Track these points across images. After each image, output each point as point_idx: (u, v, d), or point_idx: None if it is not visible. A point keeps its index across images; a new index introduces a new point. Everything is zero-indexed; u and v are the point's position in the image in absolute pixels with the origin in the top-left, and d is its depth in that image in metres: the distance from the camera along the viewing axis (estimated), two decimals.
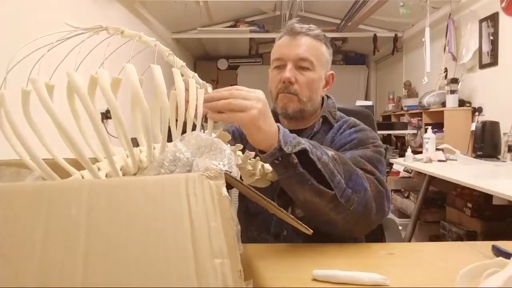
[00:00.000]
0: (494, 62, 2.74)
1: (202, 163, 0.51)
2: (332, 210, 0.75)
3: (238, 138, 1.10)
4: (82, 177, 0.52)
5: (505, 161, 2.43)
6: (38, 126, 0.51)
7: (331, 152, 0.77)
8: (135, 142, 0.61)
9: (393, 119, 4.26)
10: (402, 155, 3.29)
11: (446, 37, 3.24)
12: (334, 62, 1.09)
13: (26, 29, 1.66)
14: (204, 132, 0.62)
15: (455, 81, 3.00)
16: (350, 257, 0.71)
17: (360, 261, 0.69)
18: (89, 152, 0.55)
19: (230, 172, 0.48)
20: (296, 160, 0.71)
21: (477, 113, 2.89)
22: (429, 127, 2.84)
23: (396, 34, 4.30)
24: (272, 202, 0.56)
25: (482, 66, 2.87)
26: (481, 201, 2.29)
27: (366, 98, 5.75)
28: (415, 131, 3.54)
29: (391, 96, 4.52)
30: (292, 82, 0.97)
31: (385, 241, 1.14)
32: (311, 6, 3.93)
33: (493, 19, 2.73)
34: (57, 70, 0.56)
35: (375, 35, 4.34)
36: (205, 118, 0.72)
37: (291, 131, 0.76)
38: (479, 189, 1.65)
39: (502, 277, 0.48)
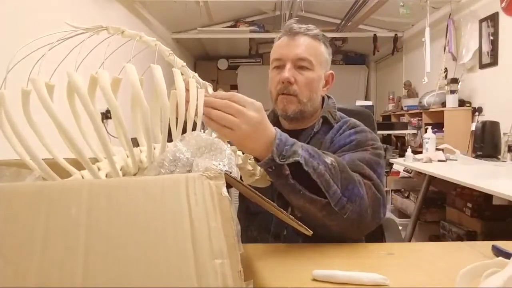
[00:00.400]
0: (494, 62, 2.73)
1: (202, 163, 0.51)
2: (325, 217, 0.76)
3: None
4: (82, 177, 0.52)
5: (505, 161, 2.43)
6: (38, 126, 0.51)
7: (330, 159, 0.76)
8: (135, 142, 0.61)
9: (393, 119, 4.26)
10: (402, 155, 3.29)
11: (446, 37, 3.24)
12: (334, 62, 1.09)
13: (26, 29, 1.66)
14: (204, 132, 0.62)
15: (455, 81, 3.00)
16: (350, 257, 0.71)
17: (360, 261, 0.69)
18: (89, 152, 0.55)
19: (230, 172, 0.48)
20: (287, 172, 0.71)
21: (477, 113, 2.89)
22: (429, 127, 2.84)
23: (396, 34, 4.30)
24: (272, 202, 0.56)
25: (482, 66, 2.87)
26: (481, 201, 2.29)
27: (366, 98, 5.75)
28: (415, 131, 3.54)
29: (391, 96, 4.52)
30: (291, 82, 0.97)
31: (385, 241, 1.14)
32: (311, 6, 3.93)
33: (493, 19, 2.73)
34: (57, 70, 0.56)
35: (375, 35, 4.34)
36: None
37: (291, 131, 0.76)
38: (479, 189, 1.65)
39: (502, 277, 0.48)
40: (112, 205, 0.38)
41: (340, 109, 1.09)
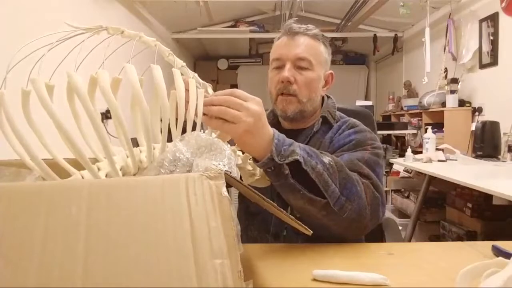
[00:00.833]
0: (494, 62, 2.73)
1: (202, 163, 0.51)
2: (324, 217, 0.76)
3: None
4: (82, 177, 0.52)
5: (505, 161, 2.43)
6: (38, 126, 0.51)
7: (328, 158, 0.76)
8: (135, 142, 0.61)
9: (393, 119, 4.26)
10: (402, 155, 3.29)
11: (446, 37, 3.24)
12: (334, 62, 1.09)
13: (26, 29, 1.66)
14: (204, 132, 0.62)
15: (455, 81, 3.00)
16: (350, 257, 0.71)
17: (360, 261, 0.69)
18: (89, 152, 0.55)
19: (230, 172, 0.48)
20: (287, 171, 0.71)
21: (477, 113, 2.89)
22: (429, 127, 2.84)
23: (396, 34, 4.30)
24: (272, 202, 0.56)
25: (482, 66, 2.87)
26: (481, 201, 2.29)
27: (366, 98, 5.75)
28: (415, 131, 3.54)
29: (391, 96, 4.51)
30: (291, 82, 0.97)
31: (385, 241, 1.14)
32: (311, 6, 3.93)
33: (493, 19, 2.73)
34: (57, 70, 0.56)
35: (375, 35, 4.34)
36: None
37: (291, 131, 0.76)
38: (479, 189, 1.65)
39: (502, 277, 0.48)
40: (112, 205, 0.38)
41: (340, 109, 1.09)
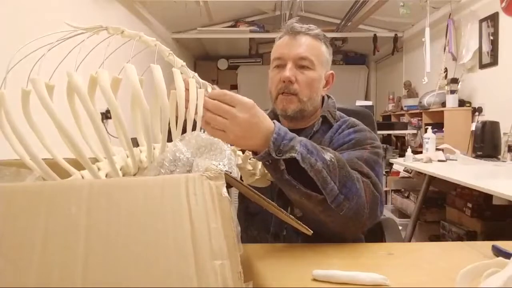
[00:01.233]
0: (494, 62, 2.73)
1: (202, 163, 0.51)
2: (321, 213, 0.76)
3: None
4: (82, 177, 0.52)
5: (505, 161, 2.43)
6: (38, 126, 0.51)
7: (329, 155, 0.76)
8: (135, 142, 0.61)
9: (393, 119, 4.26)
10: (402, 155, 3.29)
11: (446, 37, 3.24)
12: (334, 62, 1.09)
13: (26, 29, 1.66)
14: (204, 132, 0.62)
15: (455, 81, 3.00)
16: (350, 257, 0.71)
17: (360, 261, 0.69)
18: (89, 152, 0.55)
19: (230, 172, 0.48)
20: (283, 167, 0.72)
21: (477, 113, 2.89)
22: (429, 127, 2.84)
23: (396, 34, 4.30)
24: (272, 202, 0.56)
25: (482, 66, 2.86)
26: (481, 201, 2.29)
27: (366, 98, 5.74)
28: (415, 131, 3.54)
29: (391, 96, 4.51)
30: (292, 82, 0.97)
31: (385, 241, 1.14)
32: (311, 6, 3.93)
33: (493, 19, 2.73)
34: (57, 70, 0.56)
35: (375, 35, 4.34)
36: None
37: (291, 131, 0.75)
38: (479, 189, 1.65)
39: (502, 277, 0.48)
40: (112, 205, 0.38)
41: (340, 109, 1.09)
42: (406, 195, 3.23)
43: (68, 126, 0.50)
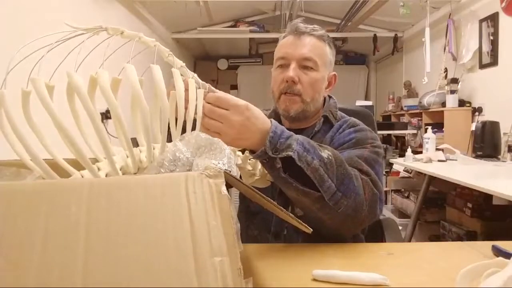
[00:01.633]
0: (494, 62, 2.73)
1: (202, 162, 0.51)
2: (319, 210, 0.76)
3: None
4: (82, 177, 0.52)
5: (505, 161, 2.43)
6: (38, 126, 0.51)
7: (326, 153, 0.76)
8: (135, 142, 0.61)
9: (393, 119, 4.26)
10: (402, 155, 3.29)
11: (446, 37, 3.24)
12: (334, 62, 1.09)
13: (26, 29, 1.66)
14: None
15: (455, 81, 3.00)
16: (350, 257, 0.71)
17: (360, 261, 0.69)
18: (89, 152, 0.55)
19: (230, 172, 0.48)
20: (279, 165, 0.72)
21: (477, 113, 2.89)
22: (429, 127, 2.84)
23: (396, 34, 4.30)
24: (272, 201, 0.56)
25: (482, 66, 2.86)
26: (481, 201, 2.29)
27: (366, 98, 5.75)
28: (415, 131, 3.54)
29: (391, 96, 4.51)
30: (295, 82, 0.97)
31: (385, 241, 1.14)
32: (311, 6, 3.93)
33: (493, 19, 2.73)
34: (57, 71, 0.56)
35: (375, 35, 4.34)
36: None
37: (292, 131, 0.76)
38: (479, 189, 1.65)
39: (502, 277, 0.48)
40: (112, 204, 0.38)
41: (340, 109, 1.09)
42: (406, 195, 3.23)
43: (68, 126, 0.50)
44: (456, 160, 2.50)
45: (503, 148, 2.53)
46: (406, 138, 3.78)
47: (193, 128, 0.62)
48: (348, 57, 5.84)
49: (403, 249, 0.78)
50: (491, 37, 2.74)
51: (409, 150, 2.70)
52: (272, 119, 0.74)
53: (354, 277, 0.58)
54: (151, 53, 0.60)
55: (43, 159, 0.50)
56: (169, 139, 0.60)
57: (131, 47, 0.58)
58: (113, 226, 0.37)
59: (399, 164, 2.82)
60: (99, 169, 0.54)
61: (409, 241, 2.51)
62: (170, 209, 0.38)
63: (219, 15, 4.12)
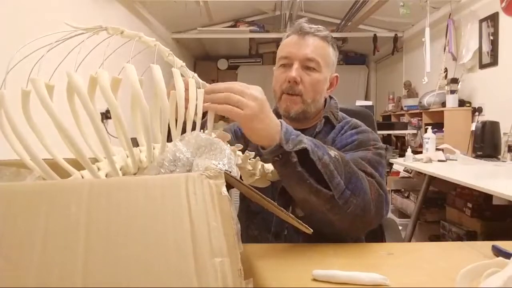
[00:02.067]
0: (494, 62, 2.73)
1: (202, 163, 0.51)
2: (329, 211, 0.75)
3: (241, 138, 1.10)
4: (82, 177, 0.52)
5: (505, 161, 2.43)
6: (38, 126, 0.51)
7: (333, 153, 0.77)
8: (135, 142, 0.61)
9: (393, 119, 4.26)
10: (402, 155, 3.29)
11: (446, 37, 3.24)
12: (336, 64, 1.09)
13: (26, 29, 1.66)
14: (204, 132, 0.62)
15: (455, 81, 3.00)
16: (350, 257, 0.71)
17: (360, 261, 0.69)
18: (89, 152, 0.55)
19: (230, 172, 0.48)
20: (295, 159, 0.71)
21: (477, 113, 2.89)
22: (429, 127, 2.84)
23: (396, 34, 4.30)
24: (272, 201, 0.56)
25: (482, 66, 2.86)
26: (481, 201, 2.29)
27: (366, 98, 5.75)
28: (415, 131, 3.54)
29: (391, 96, 4.51)
30: (297, 82, 0.97)
31: (385, 241, 1.14)
32: (311, 6, 3.93)
33: (493, 19, 2.73)
34: (57, 70, 0.56)
35: (375, 35, 4.34)
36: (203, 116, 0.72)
37: None
38: (479, 189, 1.65)
39: (502, 277, 0.48)
40: (112, 205, 0.38)
41: (340, 109, 1.09)
42: (406, 195, 3.23)
43: (68, 126, 0.50)
44: (456, 160, 2.50)
45: (503, 148, 2.53)
46: (406, 138, 3.78)
47: (193, 128, 0.62)
48: (348, 57, 5.84)
49: (403, 249, 0.78)
50: (491, 37, 2.74)
51: (409, 150, 2.70)
52: (280, 119, 0.74)
53: (354, 277, 0.58)
54: (151, 53, 0.60)
55: (43, 159, 0.50)
56: (169, 139, 0.60)
57: (131, 47, 0.58)
58: (113, 227, 0.37)
59: (399, 164, 2.82)
60: (99, 169, 0.53)
61: (409, 241, 2.51)
62: (170, 209, 0.38)
63: (219, 15, 4.12)
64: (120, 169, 0.55)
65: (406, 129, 3.67)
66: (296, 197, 0.78)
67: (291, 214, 0.60)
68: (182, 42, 4.79)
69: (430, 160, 2.49)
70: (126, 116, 0.53)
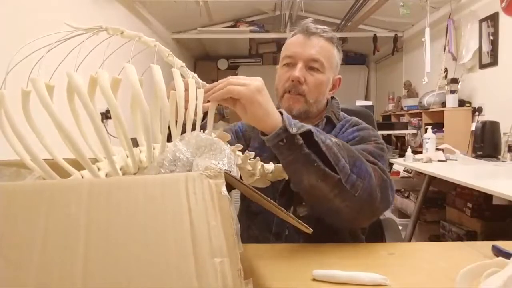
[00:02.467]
0: (494, 62, 2.73)
1: (202, 163, 0.51)
2: (336, 197, 0.74)
3: (242, 138, 1.10)
4: (82, 177, 0.52)
5: (505, 161, 2.43)
6: (38, 126, 0.51)
7: (334, 139, 0.77)
8: (135, 142, 0.61)
9: (393, 119, 4.26)
10: (402, 155, 3.29)
11: (446, 37, 3.24)
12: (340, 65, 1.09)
13: (26, 29, 1.66)
14: (203, 132, 0.62)
15: (455, 81, 3.00)
16: (350, 257, 0.71)
17: (360, 261, 0.69)
18: (89, 152, 0.55)
19: (230, 172, 0.48)
20: (301, 141, 0.71)
21: (477, 113, 2.89)
22: (429, 127, 2.84)
23: (396, 34, 4.30)
24: (272, 201, 0.56)
25: (482, 66, 2.87)
26: (481, 201, 2.29)
27: (366, 98, 5.75)
28: (415, 131, 3.54)
29: (391, 96, 4.51)
30: (301, 82, 0.97)
31: (385, 241, 1.14)
32: (311, 6, 3.93)
33: (493, 19, 2.73)
34: (57, 71, 0.56)
35: (375, 35, 4.34)
36: (203, 116, 0.72)
37: None
38: (479, 189, 1.65)
39: (502, 277, 0.48)
40: (112, 204, 0.38)
41: (341, 109, 1.09)
42: (406, 195, 3.23)
43: (68, 126, 0.50)
44: (456, 160, 2.50)
45: (503, 148, 2.53)
46: (406, 138, 3.78)
47: (193, 128, 0.62)
48: (348, 57, 5.84)
49: (403, 249, 0.78)
50: (491, 37, 2.74)
51: (409, 150, 2.70)
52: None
53: (354, 277, 0.58)
54: (151, 53, 0.60)
55: (43, 159, 0.50)
56: (169, 139, 0.60)
57: (131, 47, 0.58)
58: (113, 226, 0.37)
59: (399, 164, 2.82)
60: (99, 169, 0.54)
61: (409, 241, 2.51)
62: (170, 209, 0.38)
63: (219, 15, 4.12)
64: (120, 169, 0.55)
65: (406, 129, 3.67)
66: (303, 185, 0.77)
67: (290, 214, 0.60)
68: (182, 42, 4.79)
69: (430, 160, 2.49)
70: (126, 116, 0.53)
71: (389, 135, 4.08)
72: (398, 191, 3.39)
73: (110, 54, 0.58)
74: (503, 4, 2.61)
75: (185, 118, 0.60)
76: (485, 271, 0.51)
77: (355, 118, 1.05)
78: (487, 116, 2.76)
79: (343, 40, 4.95)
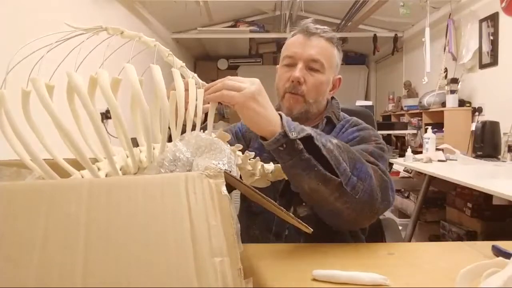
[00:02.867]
0: (494, 62, 2.73)
1: (202, 162, 0.51)
2: (337, 200, 0.74)
3: (241, 139, 1.10)
4: (82, 177, 0.52)
5: (505, 161, 2.43)
6: (38, 126, 0.51)
7: (335, 141, 0.76)
8: (135, 142, 0.61)
9: (393, 119, 4.26)
10: (402, 155, 3.29)
11: (446, 37, 3.24)
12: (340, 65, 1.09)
13: (26, 29, 1.66)
14: (203, 132, 0.62)
15: (455, 81, 3.00)
16: (350, 257, 0.71)
17: (360, 261, 0.69)
18: (89, 152, 0.55)
19: (230, 172, 0.48)
20: (301, 146, 0.71)
21: (477, 113, 2.89)
22: (429, 127, 2.84)
23: (396, 34, 4.30)
24: (272, 201, 0.56)
25: (482, 66, 2.87)
26: (481, 201, 2.29)
27: (366, 98, 5.75)
28: (415, 131, 3.54)
29: (391, 96, 4.51)
30: (300, 83, 0.97)
31: (385, 241, 1.14)
32: (311, 6, 3.93)
33: (493, 19, 2.73)
34: (57, 71, 0.56)
35: (375, 35, 4.34)
36: (204, 117, 0.72)
37: None
38: (479, 189, 1.65)
39: (502, 277, 0.48)
40: (112, 204, 0.38)
41: (341, 110, 1.09)
42: (406, 195, 3.23)
43: (68, 126, 0.50)
44: (456, 160, 2.50)
45: (503, 148, 2.53)
46: (406, 138, 3.78)
47: (193, 128, 0.62)
48: (348, 57, 5.84)
49: (403, 249, 0.78)
50: (491, 37, 2.74)
51: (409, 150, 2.70)
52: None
53: (354, 277, 0.58)
54: (151, 53, 0.60)
55: (43, 159, 0.50)
56: (169, 139, 0.60)
57: (131, 47, 0.59)
58: (113, 226, 0.37)
59: (399, 164, 2.82)
60: (99, 169, 0.54)
61: (409, 241, 2.51)
62: (170, 209, 0.38)
63: (219, 15, 4.12)
64: (120, 169, 0.55)
65: (406, 129, 3.67)
66: (303, 189, 0.76)
67: (290, 214, 0.60)
68: (182, 42, 4.79)
69: (430, 160, 2.49)
70: (126, 116, 0.53)
71: (389, 135, 4.08)
72: (398, 191, 3.39)
73: (110, 54, 0.58)
74: (503, 4, 2.61)
75: (185, 118, 0.60)
76: (485, 271, 0.51)
77: (355, 118, 1.05)
78: (487, 116, 2.76)
79: (343, 40, 4.95)
